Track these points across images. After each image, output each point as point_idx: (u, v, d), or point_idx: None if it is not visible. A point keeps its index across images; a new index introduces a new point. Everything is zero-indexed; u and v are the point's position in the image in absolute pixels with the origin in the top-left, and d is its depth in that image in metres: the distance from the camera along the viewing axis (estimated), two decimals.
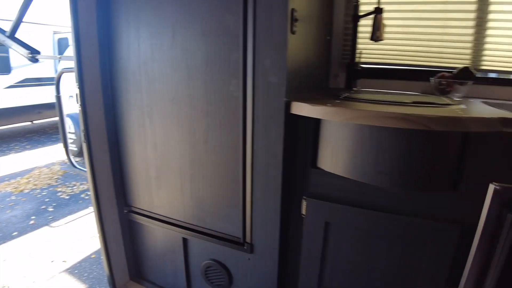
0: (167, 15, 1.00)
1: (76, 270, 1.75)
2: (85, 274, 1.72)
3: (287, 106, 0.93)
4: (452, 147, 0.85)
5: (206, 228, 1.16)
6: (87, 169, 1.23)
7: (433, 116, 0.78)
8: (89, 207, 2.56)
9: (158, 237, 1.32)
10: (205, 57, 0.98)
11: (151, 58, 1.05)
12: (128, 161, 1.23)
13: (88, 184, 1.26)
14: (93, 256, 1.89)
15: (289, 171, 1.02)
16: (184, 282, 1.32)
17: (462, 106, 0.94)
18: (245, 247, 1.11)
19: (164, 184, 1.18)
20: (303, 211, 1.03)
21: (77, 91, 1.12)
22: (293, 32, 0.90)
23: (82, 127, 1.18)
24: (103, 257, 1.36)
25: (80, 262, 1.82)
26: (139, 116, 1.14)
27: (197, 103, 1.03)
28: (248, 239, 1.10)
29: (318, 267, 1.07)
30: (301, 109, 0.92)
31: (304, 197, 1.02)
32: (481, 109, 0.93)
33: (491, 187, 0.83)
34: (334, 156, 0.94)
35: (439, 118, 0.78)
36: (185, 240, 1.24)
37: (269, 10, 0.87)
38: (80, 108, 1.15)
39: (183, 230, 1.21)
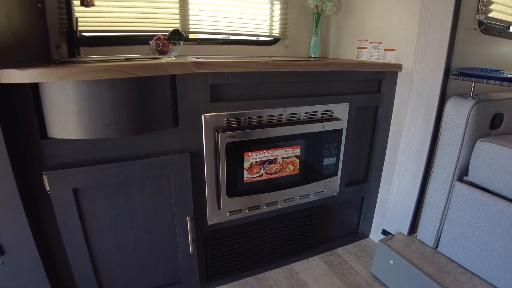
0: None
1: None
2: None
3: None
4: (164, 90, 1.01)
5: None
6: None
7: (138, 65, 0.90)
8: None
9: None
10: None
11: None
12: None
13: None
14: None
15: (17, 150, 0.92)
16: None
17: (170, 59, 1.12)
18: None
19: None
20: (48, 188, 0.97)
21: None
22: None
23: None
24: None
25: None
26: None
27: None
28: None
29: (82, 237, 1.06)
30: (9, 76, 0.83)
31: (44, 172, 0.96)
32: (185, 59, 1.14)
33: (203, 117, 1.06)
34: (62, 120, 0.92)
35: (143, 65, 0.90)
36: None
37: None
38: None
39: None
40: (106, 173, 1.00)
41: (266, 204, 1.28)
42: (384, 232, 1.65)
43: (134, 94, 0.94)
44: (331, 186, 1.41)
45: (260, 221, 1.34)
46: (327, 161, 1.33)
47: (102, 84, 0.89)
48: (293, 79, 1.19)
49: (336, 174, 1.40)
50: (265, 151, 1.18)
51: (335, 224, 1.62)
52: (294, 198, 1.34)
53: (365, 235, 1.76)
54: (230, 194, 1.17)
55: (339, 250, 1.68)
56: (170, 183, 1.08)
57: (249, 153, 1.15)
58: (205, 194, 1.16)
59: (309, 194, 1.37)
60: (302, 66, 1.16)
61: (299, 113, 1.22)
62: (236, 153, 1.13)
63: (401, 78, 1.45)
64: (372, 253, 1.64)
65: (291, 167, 1.27)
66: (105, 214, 1.05)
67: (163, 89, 1.00)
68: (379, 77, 1.41)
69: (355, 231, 1.74)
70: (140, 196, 1.07)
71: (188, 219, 1.13)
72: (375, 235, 1.73)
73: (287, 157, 1.24)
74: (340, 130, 1.32)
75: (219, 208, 1.19)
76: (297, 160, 1.27)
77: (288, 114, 1.20)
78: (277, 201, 1.30)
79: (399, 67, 1.43)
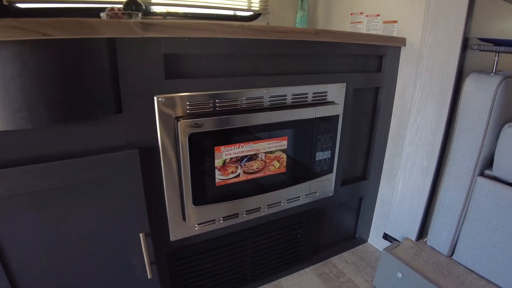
0: None
1: None
2: None
3: None
4: (99, 61, 0.73)
5: None
6: None
7: (51, 21, 0.61)
8: None
9: None
10: None
11: None
12: None
13: None
14: None
15: None
16: None
17: None
18: None
19: None
20: None
21: None
22: None
23: None
24: None
25: None
26: None
27: None
28: None
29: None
30: None
31: None
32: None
33: (156, 100, 0.78)
34: None
35: (58, 22, 0.62)
36: None
37: None
38: None
39: None
40: (25, 179, 0.71)
41: (246, 211, 1.01)
42: (386, 236, 1.42)
43: (52, 67, 0.65)
44: (325, 185, 1.16)
45: (239, 233, 1.07)
46: (320, 156, 1.08)
47: (4, 52, 0.61)
48: (277, 51, 0.92)
49: (331, 171, 1.14)
50: (242, 144, 0.91)
51: (329, 229, 1.38)
52: (280, 202, 1.08)
53: (363, 240, 1.52)
54: (198, 201, 0.90)
55: (335, 259, 1.44)
56: (114, 189, 0.80)
57: (221, 148, 0.88)
58: (165, 203, 0.89)
59: (299, 197, 1.12)
60: (288, 33, 0.90)
61: (285, 95, 0.96)
62: (203, 147, 0.86)
63: (405, 54, 1.21)
64: (372, 261, 1.41)
65: (276, 164, 1.00)
66: (30, 234, 0.77)
67: (98, 60, 0.72)
68: (379, 53, 1.17)
69: (352, 236, 1.50)
70: (77, 209, 0.79)
71: (141, 236, 0.85)
72: (374, 239, 1.50)
73: (271, 152, 0.97)
74: (336, 117, 1.07)
75: (184, 219, 0.91)
76: (284, 156, 1.01)
77: (272, 97, 0.94)
78: (259, 207, 1.04)
79: (402, 41, 1.19)
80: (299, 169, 1.07)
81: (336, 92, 1.07)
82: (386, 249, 1.21)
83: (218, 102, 0.86)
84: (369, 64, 1.18)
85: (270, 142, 0.96)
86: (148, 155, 0.82)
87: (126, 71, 0.75)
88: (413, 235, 1.28)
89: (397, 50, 1.22)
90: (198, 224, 0.95)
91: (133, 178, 0.80)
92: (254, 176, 0.97)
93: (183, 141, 0.82)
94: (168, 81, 0.79)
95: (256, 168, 0.96)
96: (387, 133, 1.32)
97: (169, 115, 0.81)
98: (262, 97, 0.92)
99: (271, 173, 1.00)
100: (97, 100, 0.74)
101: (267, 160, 0.97)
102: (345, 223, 1.44)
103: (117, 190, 0.80)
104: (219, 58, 0.86)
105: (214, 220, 0.96)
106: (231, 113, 0.87)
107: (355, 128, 1.23)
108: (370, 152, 1.33)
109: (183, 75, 0.82)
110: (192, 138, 0.82)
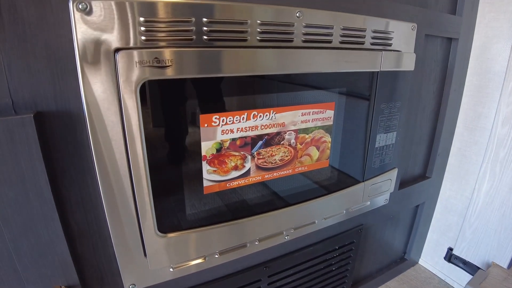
0: None
1: None
2: None
3: None
4: None
5: None
6: None
7: None
8: None
9: None
10: None
11: None
12: None
13: None
14: None
15: None
16: None
17: None
18: None
19: None
20: None
21: None
22: None
23: None
24: None
25: None
26: None
27: None
28: None
29: None
30: None
31: None
32: None
33: (73, 8, 0.34)
34: None
35: None
36: None
37: None
38: None
39: None
40: None
41: (259, 238, 0.58)
42: (451, 258, 0.99)
43: None
44: (384, 190, 0.73)
45: (249, 272, 0.63)
46: (382, 140, 0.65)
47: None
48: None
49: (394, 166, 0.71)
50: (255, 112, 0.47)
51: (375, 251, 0.95)
52: (315, 220, 0.64)
53: (414, 262, 1.10)
54: (168, 225, 0.46)
55: None
56: None
57: (214, 118, 0.44)
58: (106, 223, 0.45)
59: (343, 210, 0.68)
60: None
61: (331, 27, 0.52)
62: (174, 114, 0.42)
63: None
64: None
65: (315, 154, 0.57)
66: None
67: None
68: None
69: (401, 258, 1.08)
70: None
71: None
72: (429, 260, 1.08)
73: (306, 130, 0.54)
74: (407, 75, 0.64)
75: (145, 255, 0.47)
76: (327, 138, 0.57)
77: (308, 26, 0.50)
78: (281, 231, 0.60)
79: None
80: (350, 162, 0.64)
81: (403, 35, 0.64)
82: (471, 283, 0.78)
83: (206, 24, 0.42)
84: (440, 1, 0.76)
85: (307, 111, 0.52)
86: (60, 127, 0.38)
87: None
88: (504, 260, 0.85)
89: None
90: (175, 266, 0.51)
91: (27, 176, 0.36)
92: (275, 175, 0.53)
93: (129, 97, 0.38)
94: None
95: (280, 160, 0.53)
96: (457, 110, 0.90)
97: (101, 42, 0.37)
98: (291, 25, 0.48)
99: (304, 169, 0.57)
100: None
101: (298, 146, 0.54)
102: (393, 242, 1.01)
103: None
104: None
105: (204, 256, 0.52)
106: (233, 46, 0.43)
107: (419, 98, 0.80)
108: (436, 137, 0.90)
109: None
110: (150, 92, 0.39)
